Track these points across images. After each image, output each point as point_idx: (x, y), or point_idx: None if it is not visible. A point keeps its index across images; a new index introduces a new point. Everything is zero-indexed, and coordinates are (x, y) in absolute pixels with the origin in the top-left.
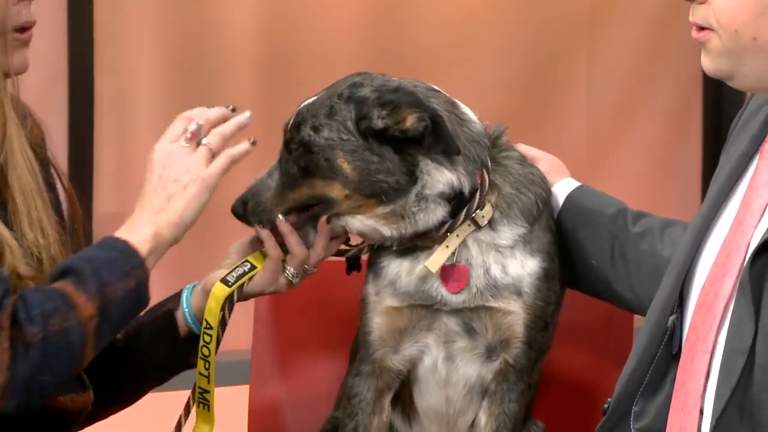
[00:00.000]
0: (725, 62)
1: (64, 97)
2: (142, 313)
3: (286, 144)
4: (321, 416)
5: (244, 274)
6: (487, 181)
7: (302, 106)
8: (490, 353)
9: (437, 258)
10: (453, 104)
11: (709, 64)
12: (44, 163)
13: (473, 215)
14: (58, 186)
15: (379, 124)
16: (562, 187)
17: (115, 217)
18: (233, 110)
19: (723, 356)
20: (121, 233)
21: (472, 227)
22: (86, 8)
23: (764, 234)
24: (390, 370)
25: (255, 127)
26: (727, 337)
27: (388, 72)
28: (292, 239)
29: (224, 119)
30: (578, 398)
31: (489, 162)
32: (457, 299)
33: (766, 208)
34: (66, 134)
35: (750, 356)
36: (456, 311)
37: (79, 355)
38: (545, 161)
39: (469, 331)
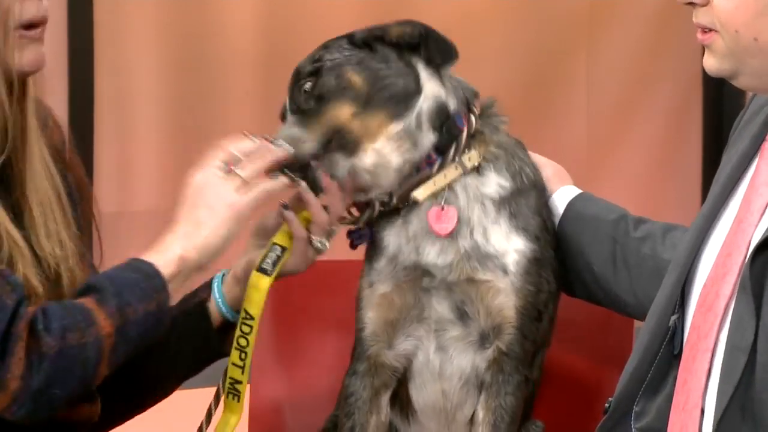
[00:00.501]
0: (728, 63)
1: (64, 97)
2: (174, 308)
3: (291, 91)
4: (321, 416)
5: (279, 259)
6: (474, 124)
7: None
8: (483, 341)
9: (423, 190)
10: None
11: (712, 64)
12: (63, 167)
13: (461, 158)
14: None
15: (374, 36)
16: (563, 195)
17: (115, 217)
18: (269, 140)
19: (724, 354)
20: (147, 255)
21: (460, 170)
22: (86, 8)
23: (765, 232)
24: (385, 367)
25: (255, 126)
26: (728, 335)
27: None
28: (317, 207)
29: (262, 151)
30: (578, 398)
31: (476, 110)
32: (443, 260)
33: (766, 206)
34: (65, 135)
35: (751, 354)
36: (446, 291)
37: (93, 371)
38: (549, 167)
39: (462, 316)
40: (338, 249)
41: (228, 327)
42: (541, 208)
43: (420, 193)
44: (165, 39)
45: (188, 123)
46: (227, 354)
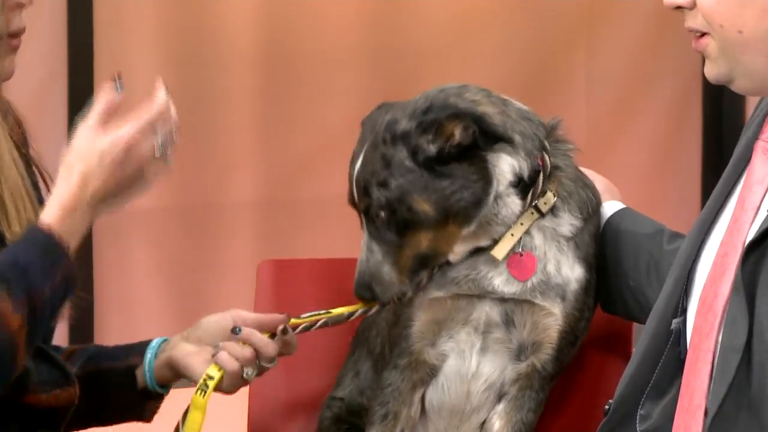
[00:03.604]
0: (722, 65)
1: (63, 97)
2: (103, 357)
3: (366, 214)
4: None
5: (213, 385)
6: (548, 164)
7: (355, 173)
8: (519, 353)
9: (503, 246)
10: (487, 90)
11: (709, 69)
12: (27, 161)
13: (536, 203)
14: (40, 184)
15: (432, 150)
16: (606, 210)
17: (115, 216)
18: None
19: (719, 354)
20: (45, 215)
21: (536, 215)
22: (86, 8)
23: (757, 230)
24: (425, 364)
25: (254, 123)
26: (722, 335)
27: (388, 69)
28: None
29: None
30: (579, 398)
31: (547, 143)
32: (509, 289)
33: (760, 204)
34: (65, 134)
35: (745, 353)
36: (501, 301)
37: (10, 365)
38: (599, 183)
39: (508, 323)
40: (337, 247)
41: (149, 395)
42: (597, 234)
43: (499, 252)
44: (165, 37)
45: (188, 121)
46: (148, 420)
